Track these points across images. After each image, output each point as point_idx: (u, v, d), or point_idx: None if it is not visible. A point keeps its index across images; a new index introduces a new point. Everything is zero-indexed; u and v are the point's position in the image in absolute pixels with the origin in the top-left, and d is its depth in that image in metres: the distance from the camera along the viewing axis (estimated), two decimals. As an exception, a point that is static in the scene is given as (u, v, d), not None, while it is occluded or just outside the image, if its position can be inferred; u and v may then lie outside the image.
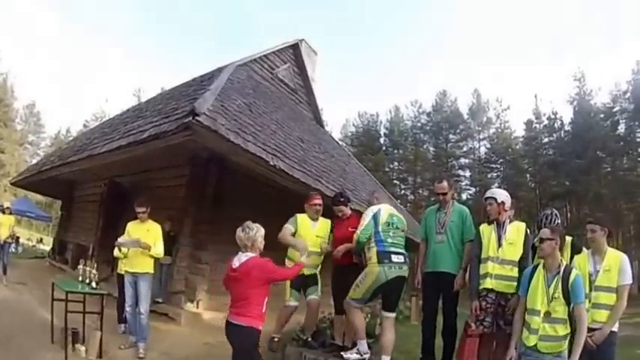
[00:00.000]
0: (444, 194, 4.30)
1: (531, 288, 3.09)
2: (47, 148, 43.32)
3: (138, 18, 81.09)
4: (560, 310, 2.93)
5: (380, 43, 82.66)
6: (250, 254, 3.02)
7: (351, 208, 4.61)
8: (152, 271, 4.82)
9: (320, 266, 4.44)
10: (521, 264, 3.59)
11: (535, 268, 3.19)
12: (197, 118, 4.49)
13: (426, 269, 4.31)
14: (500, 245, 3.67)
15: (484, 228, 3.85)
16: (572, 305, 2.91)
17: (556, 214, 4.00)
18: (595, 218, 3.52)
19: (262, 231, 3.16)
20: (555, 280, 2.98)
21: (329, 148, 11.20)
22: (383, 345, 3.86)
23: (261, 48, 11.57)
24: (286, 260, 4.33)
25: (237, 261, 3.01)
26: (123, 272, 4.90)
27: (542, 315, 2.96)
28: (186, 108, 5.15)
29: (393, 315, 3.98)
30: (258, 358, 3.17)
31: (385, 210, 3.93)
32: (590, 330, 3.08)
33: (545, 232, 3.12)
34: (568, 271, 3.00)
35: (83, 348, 4.36)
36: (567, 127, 33.98)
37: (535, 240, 3.58)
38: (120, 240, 4.79)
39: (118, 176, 8.71)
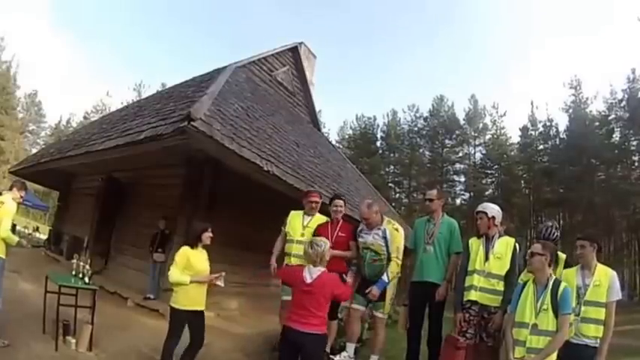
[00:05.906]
0: (431, 200, 4.42)
1: (520, 301, 3.13)
2: (47, 138, 43.36)
3: (139, 15, 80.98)
4: (549, 323, 2.95)
5: (381, 46, 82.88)
6: (321, 268, 3.18)
7: (344, 215, 4.60)
8: None
9: None
10: (508, 279, 3.65)
11: (525, 284, 3.22)
12: (192, 123, 4.57)
13: (413, 279, 4.39)
14: (487, 259, 3.74)
15: (473, 241, 3.92)
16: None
17: (556, 227, 4.10)
18: (584, 234, 3.57)
19: (328, 245, 3.31)
20: (544, 292, 3.03)
21: (324, 152, 11.28)
22: (375, 344, 4.18)
23: (260, 50, 11.61)
24: (285, 258, 4.45)
25: (308, 276, 3.14)
26: (181, 307, 3.97)
27: (530, 327, 2.99)
28: (183, 111, 5.23)
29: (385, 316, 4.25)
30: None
31: None
32: (574, 345, 3.14)
33: (537, 247, 3.17)
34: (557, 283, 3.06)
35: (74, 340, 4.42)
36: (562, 135, 33.88)
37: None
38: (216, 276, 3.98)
39: (115, 171, 8.79)
